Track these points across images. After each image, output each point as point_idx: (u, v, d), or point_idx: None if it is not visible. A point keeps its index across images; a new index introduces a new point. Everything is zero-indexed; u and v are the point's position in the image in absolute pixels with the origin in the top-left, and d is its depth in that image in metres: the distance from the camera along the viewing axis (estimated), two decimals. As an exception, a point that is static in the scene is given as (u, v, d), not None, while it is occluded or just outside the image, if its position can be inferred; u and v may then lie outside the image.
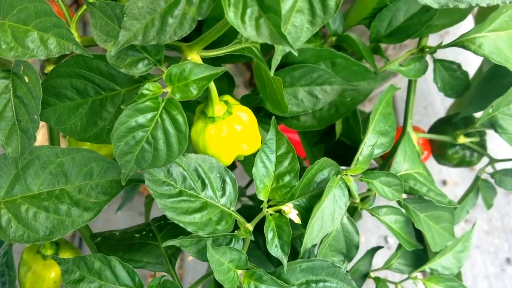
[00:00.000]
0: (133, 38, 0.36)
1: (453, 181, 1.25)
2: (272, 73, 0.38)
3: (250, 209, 0.63)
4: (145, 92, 0.38)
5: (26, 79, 0.40)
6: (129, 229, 0.53)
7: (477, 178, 0.67)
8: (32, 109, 0.40)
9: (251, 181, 0.89)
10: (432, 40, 0.62)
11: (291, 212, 0.46)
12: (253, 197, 0.79)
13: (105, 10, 0.38)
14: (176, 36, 0.36)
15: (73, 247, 0.57)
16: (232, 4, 0.33)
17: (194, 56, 0.42)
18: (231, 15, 0.33)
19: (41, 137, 1.18)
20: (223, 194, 0.45)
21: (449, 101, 1.37)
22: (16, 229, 0.43)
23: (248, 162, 0.67)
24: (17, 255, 0.58)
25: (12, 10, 0.39)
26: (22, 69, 0.40)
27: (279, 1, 0.32)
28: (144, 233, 0.51)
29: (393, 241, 1.16)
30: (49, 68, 0.48)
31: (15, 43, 0.38)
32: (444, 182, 1.24)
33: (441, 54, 0.61)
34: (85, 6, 0.43)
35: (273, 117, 0.48)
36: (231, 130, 0.45)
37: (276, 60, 0.37)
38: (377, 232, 1.18)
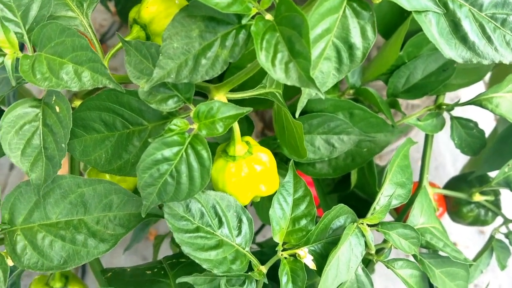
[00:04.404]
0: (167, 76, 0.37)
1: (463, 244, 1.23)
2: (297, 114, 0.39)
3: (262, 254, 0.62)
4: (173, 127, 0.39)
5: (57, 109, 0.41)
6: (140, 266, 0.53)
7: (491, 237, 0.66)
8: (61, 138, 0.41)
9: (260, 229, 0.89)
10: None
11: (307, 256, 0.46)
12: (262, 245, 0.78)
13: (141, 48, 0.40)
14: (207, 76, 0.38)
15: (81, 281, 0.56)
16: (264, 48, 0.34)
17: (221, 97, 0.43)
18: (262, 58, 0.34)
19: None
20: (239, 234, 0.45)
21: (461, 163, 1.37)
22: (30, 256, 0.43)
23: (261, 207, 0.67)
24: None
25: (50, 43, 0.40)
26: (54, 99, 0.42)
27: (309, 48, 0.33)
28: (155, 270, 0.50)
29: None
30: (77, 103, 0.49)
31: (50, 74, 0.40)
32: (455, 245, 1.22)
33: (454, 114, 0.62)
34: (119, 44, 0.45)
35: (292, 160, 0.49)
36: (251, 169, 0.46)
37: (302, 103, 0.38)
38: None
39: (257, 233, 0.87)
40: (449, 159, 1.36)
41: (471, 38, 0.34)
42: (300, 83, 0.34)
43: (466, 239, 1.23)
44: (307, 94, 0.38)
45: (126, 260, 1.21)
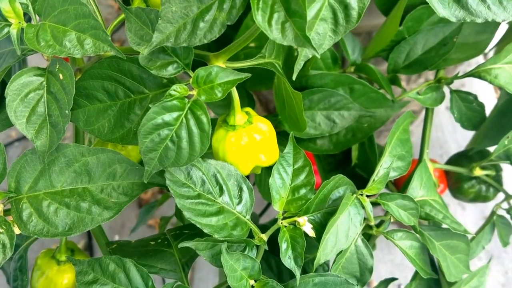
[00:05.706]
0: (166, 40, 0.38)
1: (468, 229, 1.23)
2: (294, 77, 0.39)
3: (264, 227, 0.63)
4: (173, 92, 0.40)
5: (61, 76, 0.42)
6: (145, 238, 0.54)
7: (492, 213, 0.66)
8: (64, 105, 0.42)
9: (265, 209, 0.89)
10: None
11: (306, 224, 0.47)
12: (266, 224, 0.79)
13: (141, 15, 0.41)
14: (205, 39, 0.38)
15: (86, 255, 0.57)
16: (261, 9, 0.35)
17: (220, 65, 0.44)
18: (259, 19, 0.35)
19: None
20: (240, 202, 0.46)
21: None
22: (36, 223, 0.44)
23: (263, 184, 0.68)
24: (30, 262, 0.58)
25: (53, 12, 0.41)
26: (57, 67, 0.43)
27: (305, 7, 0.34)
28: (159, 241, 0.51)
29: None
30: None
31: (54, 41, 0.41)
32: (459, 230, 1.22)
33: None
34: (122, 15, 0.46)
35: (292, 132, 0.50)
36: (250, 138, 0.46)
37: (299, 65, 0.39)
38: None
39: (261, 214, 0.87)
40: (455, 147, 1.36)
41: (464, -3, 0.35)
42: (296, 43, 0.34)
43: (470, 225, 1.23)
44: (303, 56, 0.38)
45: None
